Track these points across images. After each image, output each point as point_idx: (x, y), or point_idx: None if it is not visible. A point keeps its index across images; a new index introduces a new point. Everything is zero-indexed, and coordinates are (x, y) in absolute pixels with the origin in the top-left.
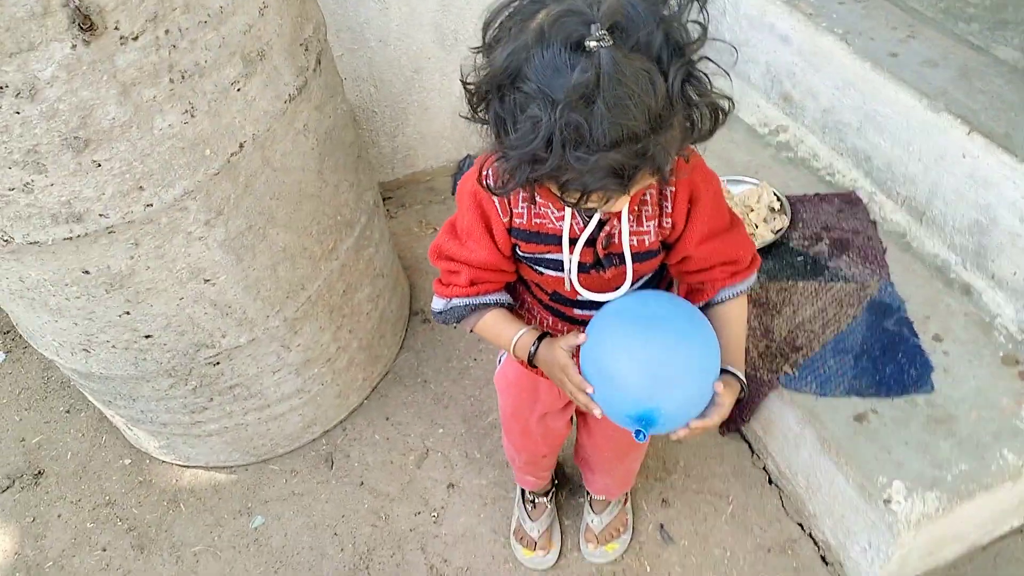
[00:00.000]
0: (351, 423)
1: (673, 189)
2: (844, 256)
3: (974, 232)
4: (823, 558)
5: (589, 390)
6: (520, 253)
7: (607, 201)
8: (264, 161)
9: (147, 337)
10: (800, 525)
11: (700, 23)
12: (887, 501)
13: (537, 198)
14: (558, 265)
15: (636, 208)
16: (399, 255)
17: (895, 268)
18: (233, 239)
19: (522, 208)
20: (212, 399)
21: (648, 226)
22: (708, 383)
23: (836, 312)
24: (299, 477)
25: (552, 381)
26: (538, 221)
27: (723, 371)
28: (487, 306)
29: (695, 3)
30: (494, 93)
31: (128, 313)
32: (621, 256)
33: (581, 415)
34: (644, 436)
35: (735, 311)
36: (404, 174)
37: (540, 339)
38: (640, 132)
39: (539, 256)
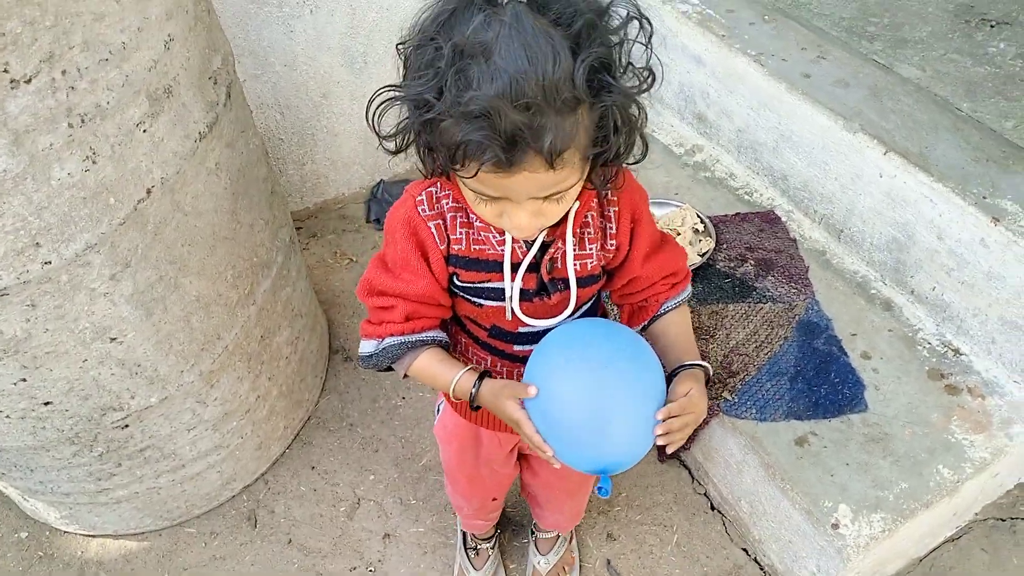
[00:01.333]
0: (274, 475)
1: (616, 209)
2: (770, 276)
3: (892, 249)
4: None
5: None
6: (458, 283)
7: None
8: (174, 206)
9: (46, 404)
10: (745, 551)
11: (641, 43)
12: (835, 526)
13: (475, 221)
14: (499, 294)
15: (578, 231)
16: (315, 290)
17: (819, 286)
18: (142, 292)
19: (460, 234)
20: (120, 464)
21: (591, 249)
22: (653, 415)
23: (768, 334)
24: (220, 539)
25: (495, 426)
26: (478, 247)
27: (684, 366)
28: (424, 344)
29: (641, 22)
30: (412, 46)
31: (24, 380)
32: (566, 281)
33: (524, 457)
34: (607, 491)
35: (679, 316)
36: (314, 203)
37: (481, 378)
38: (532, 99)
39: (479, 285)
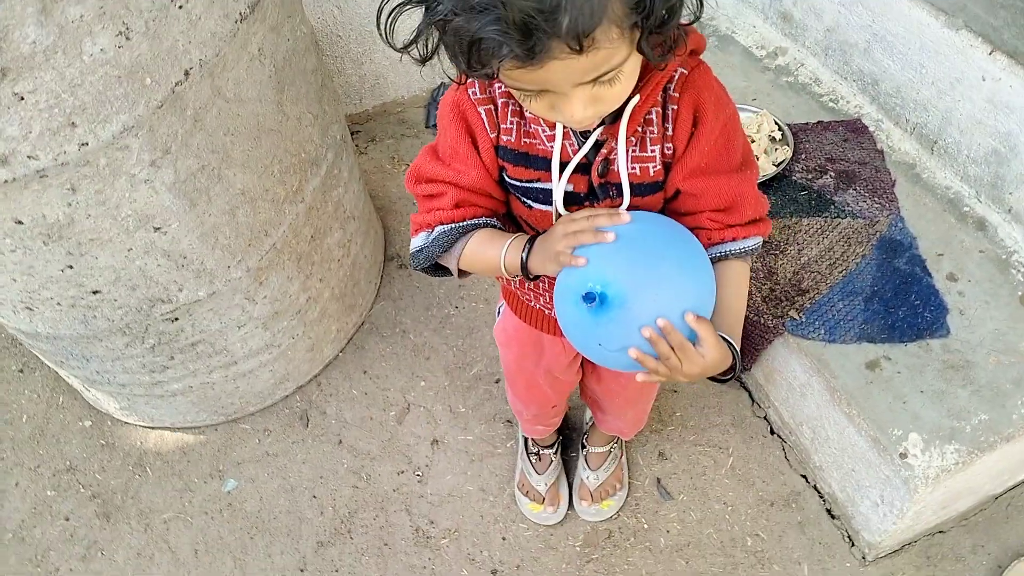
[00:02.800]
0: (326, 378)
1: (676, 107)
2: (851, 190)
3: (991, 162)
4: (829, 511)
5: (581, 262)
6: (508, 179)
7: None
8: (215, 91)
9: (95, 293)
10: (804, 477)
11: None
12: (903, 455)
13: (526, 112)
14: (548, 196)
15: (639, 129)
16: (371, 195)
17: (905, 202)
18: (184, 181)
19: (511, 124)
20: (173, 357)
21: (653, 151)
22: (686, 293)
23: (844, 251)
24: (273, 436)
25: (558, 331)
26: (527, 141)
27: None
28: (476, 228)
29: None
30: None
31: (71, 267)
32: (619, 187)
33: (588, 361)
34: (595, 305)
35: (729, 273)
36: (373, 105)
37: (531, 243)
38: None
39: (528, 185)
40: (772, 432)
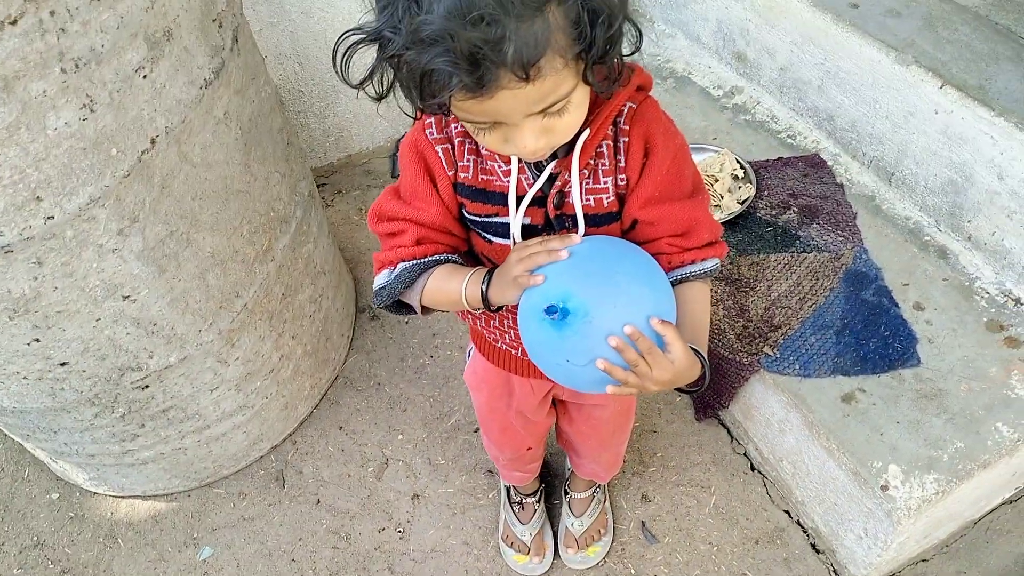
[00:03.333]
0: (301, 436)
1: (627, 140)
2: (815, 224)
3: (948, 192)
4: (814, 546)
5: (539, 280)
6: (467, 215)
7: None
8: (181, 157)
9: (62, 365)
10: (787, 513)
11: None
12: (884, 487)
13: (482, 150)
14: (507, 230)
15: (591, 162)
16: (339, 247)
17: (867, 233)
18: (152, 248)
19: (468, 161)
20: (143, 425)
21: (605, 183)
22: (646, 300)
23: (812, 285)
24: (248, 500)
25: (526, 372)
26: (484, 177)
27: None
28: (436, 264)
29: None
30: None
31: (38, 340)
32: (575, 218)
33: (561, 403)
34: (558, 317)
35: (691, 293)
36: (338, 158)
37: (491, 275)
38: (484, 10)
39: (486, 219)
40: (753, 468)
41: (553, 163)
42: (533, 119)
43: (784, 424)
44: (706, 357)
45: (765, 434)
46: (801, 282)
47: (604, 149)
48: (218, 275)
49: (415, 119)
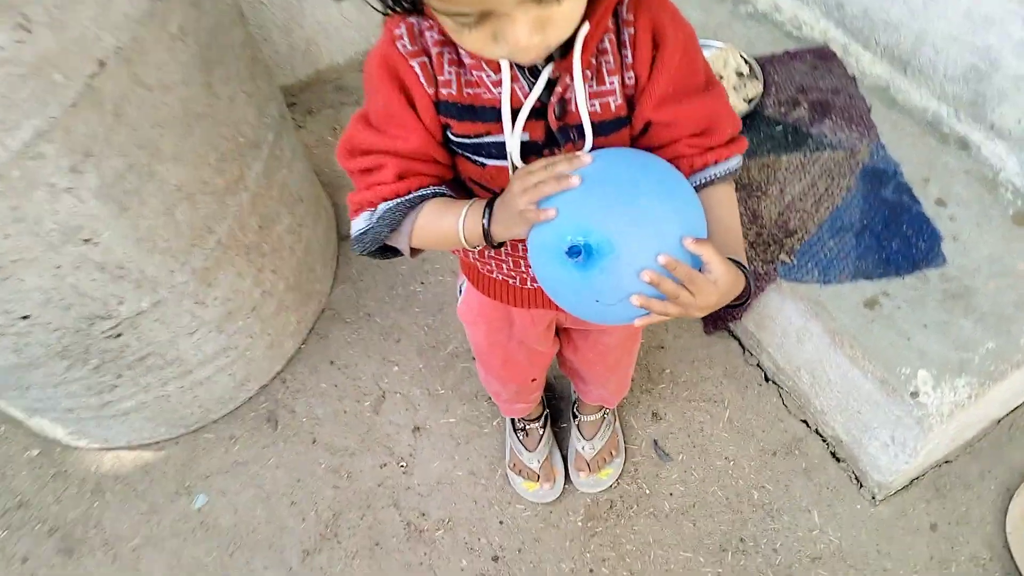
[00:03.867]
0: (291, 373)
1: (632, 31)
2: (827, 120)
3: (970, 79)
4: (834, 455)
5: (550, 214)
6: (453, 138)
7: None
8: (134, 80)
9: (24, 318)
10: (805, 423)
11: None
12: (914, 394)
13: (466, 59)
14: (502, 150)
15: (594, 61)
16: (316, 172)
17: (883, 127)
18: (111, 185)
19: (450, 74)
20: (120, 375)
21: (612, 83)
22: (675, 219)
23: (828, 185)
24: (240, 443)
25: (525, 302)
26: (471, 91)
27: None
28: (424, 199)
29: None
30: None
31: None
32: (580, 128)
33: (564, 331)
34: (582, 258)
35: (717, 196)
36: (307, 74)
37: (491, 206)
38: None
39: (477, 140)
40: (767, 379)
41: (550, 66)
42: (526, 7)
43: (803, 333)
44: (745, 264)
45: (781, 344)
46: (816, 183)
47: (607, 45)
48: (186, 210)
49: (386, 16)
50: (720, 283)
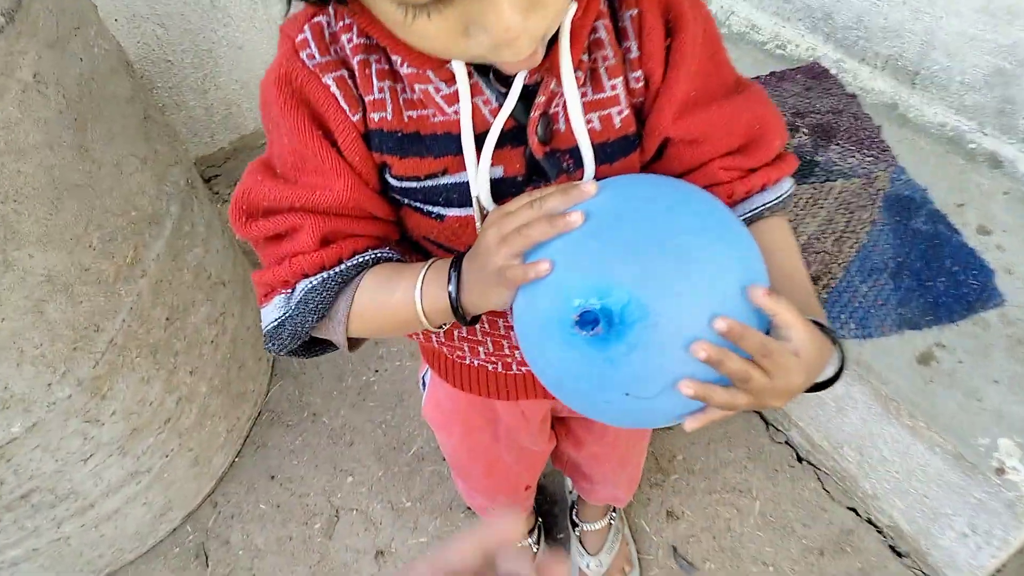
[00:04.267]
0: (223, 495)
1: (635, 11)
2: (832, 145)
3: (994, 85)
4: (893, 548)
5: (545, 267)
6: (394, 182)
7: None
8: None
9: None
10: (853, 510)
11: None
12: (1000, 471)
13: (402, 68)
14: (465, 194)
15: (586, 58)
16: (244, 250)
17: (898, 149)
18: None
19: (381, 93)
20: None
21: (613, 87)
22: (731, 264)
23: (848, 220)
24: None
25: (513, 392)
26: (413, 114)
27: None
28: (363, 269)
29: None
30: None
31: None
32: (574, 152)
33: (559, 422)
34: (602, 331)
35: (771, 233)
36: (230, 140)
37: (457, 266)
38: None
39: (429, 183)
40: (800, 459)
41: (524, 73)
42: None
43: (844, 401)
44: (827, 324)
45: (816, 416)
46: (833, 218)
47: (603, 34)
48: (62, 305)
49: (284, 17)
50: (804, 354)
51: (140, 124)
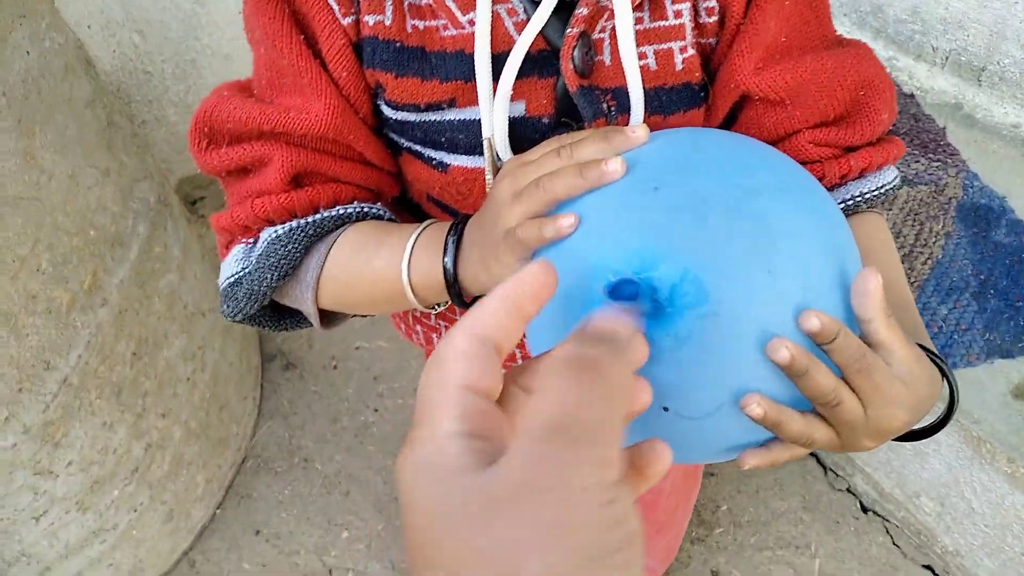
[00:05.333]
0: (202, 553)
1: None
2: None
3: None
4: None
5: (569, 222)
6: (388, 112)
7: None
8: None
9: None
10: (930, 569)
11: None
12: None
13: None
14: (475, 136)
15: None
16: None
17: (967, 153)
18: None
19: None
20: None
21: (678, 14)
22: (820, 251)
23: (918, 232)
24: None
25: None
26: (419, 24)
27: None
28: (341, 223)
29: None
30: None
31: None
32: (618, 93)
33: None
34: (647, 307)
35: (866, 231)
36: None
37: (457, 232)
38: None
39: (431, 117)
40: (865, 510)
41: None
42: None
43: (924, 444)
44: (935, 350)
45: (887, 461)
46: (901, 231)
47: None
48: (4, 339)
49: None
50: (909, 379)
51: (102, 131)
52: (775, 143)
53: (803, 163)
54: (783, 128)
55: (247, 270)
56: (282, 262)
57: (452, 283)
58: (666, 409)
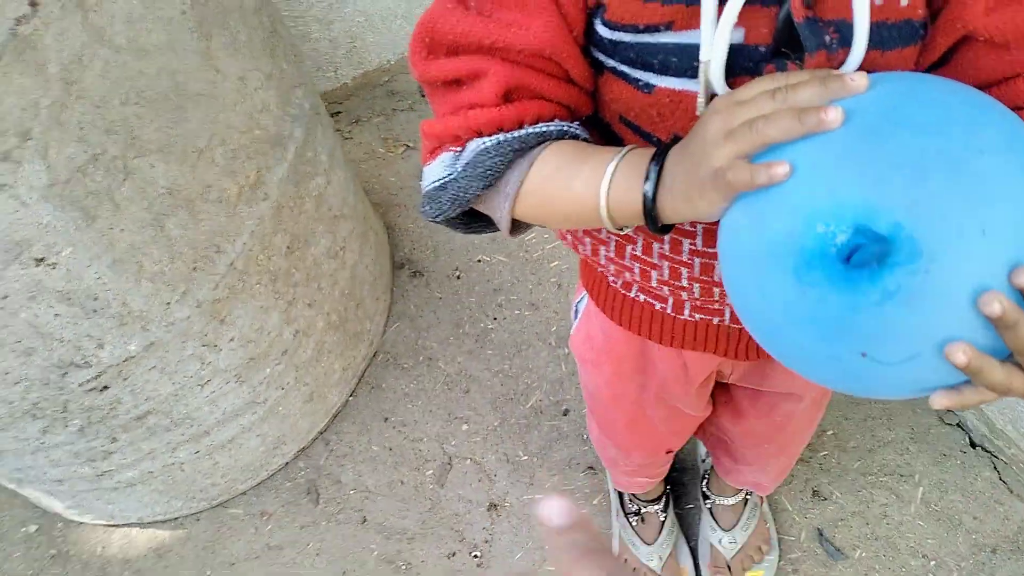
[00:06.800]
0: (336, 433)
1: None
2: None
3: None
4: None
5: (784, 170)
6: (605, 33)
7: None
8: (93, 32)
9: None
10: None
11: None
12: None
13: None
14: (688, 60)
15: None
16: (365, 189)
17: None
18: (67, 182)
19: None
20: (115, 439)
21: None
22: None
23: None
24: (274, 522)
25: (679, 339)
26: None
27: None
28: (543, 140)
29: None
30: None
31: None
32: (841, 27)
33: (721, 388)
34: (872, 264)
35: None
36: (353, 76)
37: (660, 158)
38: None
39: (647, 39)
40: (973, 445)
41: None
42: None
43: None
44: None
45: (1004, 399)
46: None
47: None
48: (183, 221)
49: None
50: None
51: (266, 38)
52: (989, 86)
53: (1015, 108)
54: (1001, 72)
55: (452, 176)
56: (488, 172)
57: (650, 209)
58: (864, 355)
